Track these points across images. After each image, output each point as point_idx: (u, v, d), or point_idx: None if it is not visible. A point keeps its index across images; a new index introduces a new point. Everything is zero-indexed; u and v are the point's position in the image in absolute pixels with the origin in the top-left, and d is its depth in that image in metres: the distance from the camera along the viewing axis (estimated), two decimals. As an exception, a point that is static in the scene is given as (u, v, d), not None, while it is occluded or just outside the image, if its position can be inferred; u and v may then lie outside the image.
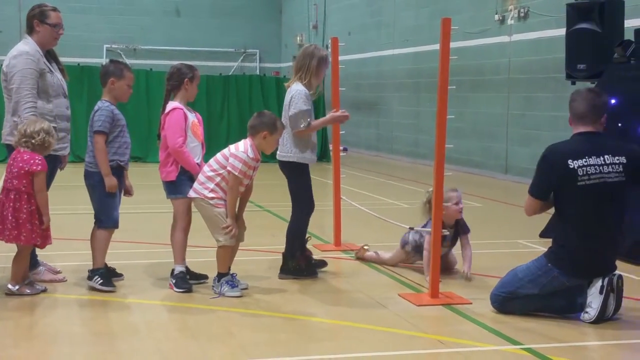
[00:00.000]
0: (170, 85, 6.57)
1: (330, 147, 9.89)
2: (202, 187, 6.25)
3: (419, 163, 17.66)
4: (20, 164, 6.04)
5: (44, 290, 6.27)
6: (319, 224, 9.06)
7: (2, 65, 6.56)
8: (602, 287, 5.58)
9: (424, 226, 6.98)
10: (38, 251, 6.57)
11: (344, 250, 8.08)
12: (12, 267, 6.22)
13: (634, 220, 7.00)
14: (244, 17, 27.29)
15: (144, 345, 5.13)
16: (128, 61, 25.33)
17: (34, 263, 6.52)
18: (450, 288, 6.51)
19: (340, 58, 8.34)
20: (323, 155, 18.54)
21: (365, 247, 7.62)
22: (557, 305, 5.79)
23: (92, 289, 6.34)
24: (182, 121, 6.42)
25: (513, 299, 5.83)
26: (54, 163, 6.60)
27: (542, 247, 7.94)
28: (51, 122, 6.44)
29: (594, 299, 5.61)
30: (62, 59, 6.79)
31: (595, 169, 5.61)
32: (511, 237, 8.99)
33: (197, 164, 6.50)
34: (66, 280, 6.63)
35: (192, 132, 6.51)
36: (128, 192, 6.64)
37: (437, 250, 6.24)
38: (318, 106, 19.00)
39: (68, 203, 10.05)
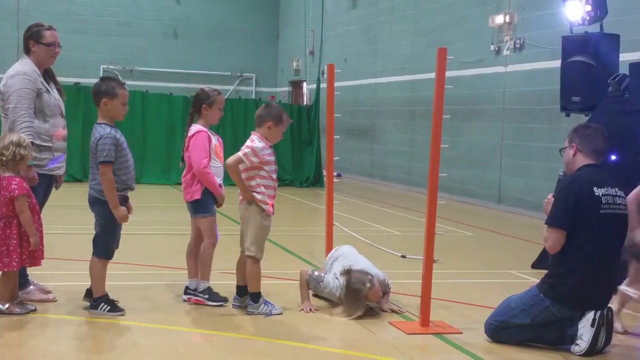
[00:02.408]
0: (192, 109, 6.77)
1: (324, 172, 9.93)
2: (253, 192, 6.39)
3: (413, 190, 17.69)
4: (3, 192, 6.00)
5: (34, 310, 6.22)
6: (310, 250, 9.06)
7: (-1, 84, 6.56)
8: (594, 320, 5.59)
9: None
10: (29, 270, 6.53)
11: (336, 276, 8.05)
12: None
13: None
14: (241, 41, 27.40)
15: (133, 368, 5.11)
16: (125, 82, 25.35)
17: (24, 282, 6.48)
18: (441, 317, 6.50)
19: (336, 84, 8.37)
20: (316, 181, 18.59)
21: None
22: (549, 337, 5.80)
23: (100, 316, 6.25)
24: (207, 143, 6.59)
25: (505, 329, 5.84)
26: (49, 182, 6.60)
27: (534, 278, 7.96)
28: (47, 142, 6.44)
29: (585, 332, 5.61)
30: (58, 79, 6.79)
31: (613, 199, 5.72)
32: (503, 268, 8.99)
33: (220, 184, 6.66)
34: (57, 300, 6.59)
35: (214, 154, 6.68)
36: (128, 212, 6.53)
37: (429, 277, 6.23)
38: (313, 132, 19.10)
39: (61, 222, 10.03)
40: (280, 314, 6.49)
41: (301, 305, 6.63)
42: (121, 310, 6.33)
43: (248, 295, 6.54)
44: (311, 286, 6.75)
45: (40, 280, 6.82)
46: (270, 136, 6.50)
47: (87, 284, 7.33)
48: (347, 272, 6.53)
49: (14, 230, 6.01)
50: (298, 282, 6.84)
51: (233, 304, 6.64)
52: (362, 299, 6.44)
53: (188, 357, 5.35)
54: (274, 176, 6.52)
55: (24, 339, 5.65)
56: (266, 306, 6.49)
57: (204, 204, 6.58)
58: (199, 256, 6.69)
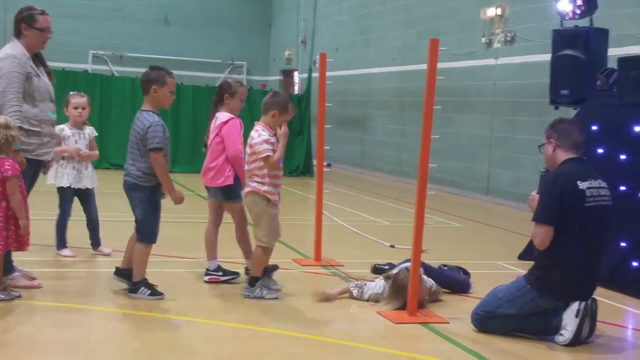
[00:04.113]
0: (215, 98, 7.07)
1: (314, 162, 9.94)
2: (258, 184, 6.48)
3: (402, 181, 17.72)
4: None
5: (19, 297, 6.17)
6: (300, 239, 9.08)
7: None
8: (578, 310, 5.64)
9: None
10: (14, 256, 6.49)
11: (324, 265, 8.10)
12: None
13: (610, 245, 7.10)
14: (233, 29, 27.31)
15: (119, 355, 5.12)
16: (114, 68, 25.32)
17: (9, 268, 6.42)
18: (428, 307, 6.54)
19: (328, 74, 8.39)
20: (306, 170, 18.61)
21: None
22: (534, 327, 5.84)
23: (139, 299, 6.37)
24: (239, 129, 6.85)
25: (492, 319, 5.88)
26: (37, 167, 6.57)
27: (521, 269, 8.00)
28: (35, 127, 6.40)
29: (569, 322, 5.66)
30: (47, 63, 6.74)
31: (597, 191, 5.75)
32: (490, 259, 9.04)
33: None
34: (42, 287, 6.54)
35: None
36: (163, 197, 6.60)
37: (417, 269, 6.26)
38: (303, 121, 19.09)
39: (47, 209, 9.99)
40: (275, 298, 6.57)
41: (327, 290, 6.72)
42: (161, 294, 6.44)
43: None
44: (355, 294, 6.74)
45: (25, 266, 6.78)
46: (274, 124, 6.56)
47: (71, 270, 7.35)
48: (393, 275, 6.61)
49: (1, 213, 5.96)
50: (289, 270, 6.85)
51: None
52: (404, 288, 6.41)
53: (174, 344, 5.36)
54: (281, 165, 6.59)
55: (9, 326, 5.60)
56: (261, 290, 6.57)
57: (236, 190, 6.82)
58: (241, 239, 7.01)
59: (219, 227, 7.17)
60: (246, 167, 6.60)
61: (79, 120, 8.03)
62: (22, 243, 6.15)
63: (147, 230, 6.39)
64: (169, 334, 5.62)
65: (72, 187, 7.87)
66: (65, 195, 7.89)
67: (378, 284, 6.72)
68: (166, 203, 6.50)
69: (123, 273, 6.61)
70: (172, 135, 7.19)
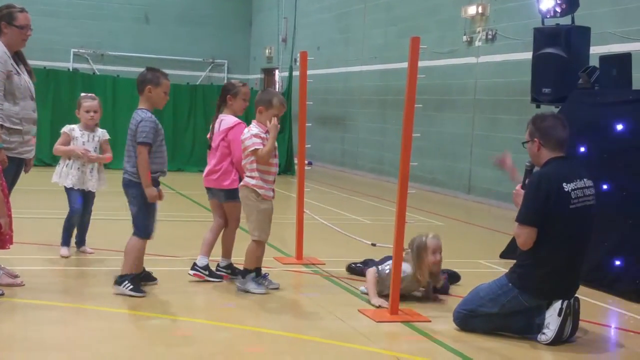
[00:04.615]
0: (218, 100, 7.22)
1: (295, 160, 9.93)
2: (248, 178, 6.63)
3: (383, 180, 17.73)
4: None
5: (1, 294, 6.17)
6: (281, 237, 9.06)
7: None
8: (560, 309, 5.64)
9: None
10: (-3, 254, 6.49)
11: (305, 263, 8.09)
12: (-32, 270, 6.15)
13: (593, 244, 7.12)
14: (213, 27, 27.23)
15: (102, 353, 5.09)
16: (95, 67, 25.22)
17: (-9, 267, 6.43)
18: (410, 306, 6.54)
19: (309, 72, 8.37)
20: (287, 169, 18.57)
21: None
22: (516, 325, 5.84)
23: (121, 294, 6.38)
24: None
25: (474, 317, 5.87)
26: (18, 165, 6.55)
27: (502, 267, 8.03)
28: (16, 125, 6.39)
29: (551, 321, 5.66)
30: (28, 62, 6.74)
31: (582, 192, 5.72)
32: (472, 257, 9.05)
33: None
34: (24, 285, 6.53)
35: None
36: (160, 198, 6.64)
37: (398, 267, 6.26)
38: (284, 120, 19.05)
39: (30, 207, 9.95)
40: (262, 294, 6.64)
41: (372, 301, 6.57)
42: (143, 292, 6.48)
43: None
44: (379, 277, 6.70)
45: (7, 264, 6.74)
46: (264, 120, 6.65)
47: (56, 268, 7.34)
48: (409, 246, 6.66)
49: None
50: (271, 269, 6.84)
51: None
52: (425, 250, 6.53)
53: (158, 341, 5.34)
54: (274, 161, 6.68)
55: (-10, 324, 5.59)
56: (249, 284, 6.69)
57: (237, 192, 6.86)
58: (227, 238, 7.17)
59: (223, 227, 7.21)
60: (242, 163, 6.73)
61: (91, 123, 7.90)
62: (3, 241, 6.14)
63: (140, 225, 6.51)
64: (152, 333, 5.60)
65: (76, 188, 7.76)
66: (71, 194, 7.78)
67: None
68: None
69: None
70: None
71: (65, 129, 7.89)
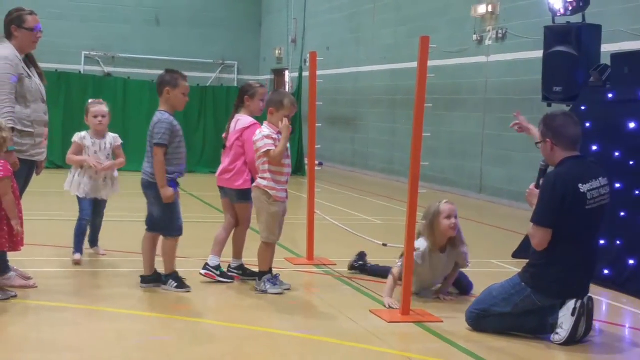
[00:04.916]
0: (236, 101, 7.26)
1: (306, 161, 9.93)
2: (260, 179, 6.68)
3: (394, 180, 17.71)
4: None
5: (14, 296, 6.19)
6: (292, 238, 9.06)
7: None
8: (574, 309, 5.59)
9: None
10: (9, 256, 6.49)
11: (316, 264, 8.08)
12: (-20, 272, 6.17)
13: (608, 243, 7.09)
14: (224, 28, 27.28)
15: (113, 355, 5.09)
16: (106, 69, 25.29)
17: (4, 268, 6.44)
18: (422, 306, 6.52)
19: (318, 73, 8.37)
20: (298, 169, 18.55)
21: None
22: (529, 325, 5.81)
23: (168, 291, 6.62)
24: None
25: (486, 317, 5.85)
26: (30, 168, 6.59)
27: (514, 267, 8.00)
28: (28, 127, 6.43)
29: (565, 321, 5.62)
30: (39, 65, 6.77)
31: (598, 192, 5.68)
32: (484, 257, 9.02)
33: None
34: (37, 287, 6.55)
35: None
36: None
37: (410, 266, 6.24)
38: (295, 120, 19.03)
39: (42, 209, 9.97)
40: (279, 293, 6.69)
41: (384, 301, 6.55)
42: (187, 287, 6.66)
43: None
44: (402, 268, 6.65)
45: (20, 266, 6.77)
46: (275, 121, 6.68)
47: (66, 270, 7.37)
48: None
49: None
50: (282, 270, 6.85)
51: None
52: (438, 215, 6.57)
53: (168, 343, 5.34)
54: (286, 162, 6.70)
55: (3, 326, 5.61)
56: (265, 285, 6.73)
57: (250, 193, 6.90)
58: (237, 238, 7.20)
59: (234, 227, 7.23)
60: (255, 164, 6.77)
61: (100, 128, 7.75)
62: (15, 243, 6.17)
63: (167, 225, 6.61)
64: (162, 334, 5.59)
65: (88, 197, 7.68)
66: (82, 202, 7.69)
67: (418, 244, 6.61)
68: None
69: (148, 279, 6.76)
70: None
71: (76, 138, 7.76)
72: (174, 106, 6.67)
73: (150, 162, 6.53)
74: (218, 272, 7.08)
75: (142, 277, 6.77)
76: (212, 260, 7.10)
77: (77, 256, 7.61)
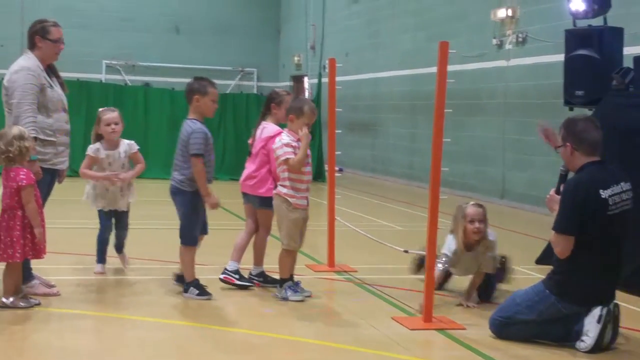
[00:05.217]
0: (263, 108, 7.32)
1: (326, 167, 9.92)
2: (280, 186, 6.70)
3: (414, 185, 17.66)
4: (10, 183, 6.09)
5: (38, 304, 6.24)
6: (313, 244, 9.03)
7: (3, 79, 6.57)
8: (600, 316, 5.52)
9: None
10: (32, 264, 6.54)
11: (337, 271, 8.06)
12: (3, 280, 6.23)
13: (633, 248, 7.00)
14: (243, 36, 27.35)
15: (136, 363, 5.10)
16: (126, 77, 25.41)
17: (27, 276, 6.49)
18: (444, 313, 6.47)
19: (337, 79, 8.36)
20: (318, 176, 18.52)
21: None
22: (554, 333, 5.74)
23: (189, 299, 6.67)
24: None
25: (510, 324, 5.79)
26: (52, 176, 6.63)
27: (538, 273, 7.94)
28: (50, 137, 6.48)
29: (591, 328, 5.55)
30: (60, 74, 6.82)
31: (620, 197, 5.62)
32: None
33: None
34: (60, 294, 6.59)
35: None
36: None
37: (431, 270, 6.20)
38: (314, 127, 19.02)
39: (64, 217, 10.03)
40: (300, 301, 6.68)
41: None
42: (208, 294, 6.69)
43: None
44: (443, 266, 6.75)
45: (43, 274, 6.82)
46: (295, 129, 6.68)
47: (88, 277, 7.41)
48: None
49: (18, 222, 6.07)
50: (303, 277, 6.84)
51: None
52: (463, 217, 6.68)
53: (190, 350, 5.33)
54: (306, 169, 6.70)
55: (27, 333, 5.66)
56: (286, 292, 6.73)
57: (272, 200, 6.89)
58: (259, 245, 7.21)
59: (254, 232, 7.24)
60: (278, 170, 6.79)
61: (112, 137, 7.52)
62: (38, 251, 6.23)
63: (185, 233, 6.68)
64: (184, 341, 5.59)
65: (105, 210, 7.60)
66: (101, 214, 7.63)
67: (447, 242, 6.74)
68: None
69: (180, 277, 6.94)
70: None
71: (90, 150, 7.56)
72: (203, 113, 6.70)
73: (180, 170, 6.60)
74: (237, 276, 7.09)
75: (176, 274, 6.99)
76: (231, 265, 7.12)
77: (99, 268, 7.55)
